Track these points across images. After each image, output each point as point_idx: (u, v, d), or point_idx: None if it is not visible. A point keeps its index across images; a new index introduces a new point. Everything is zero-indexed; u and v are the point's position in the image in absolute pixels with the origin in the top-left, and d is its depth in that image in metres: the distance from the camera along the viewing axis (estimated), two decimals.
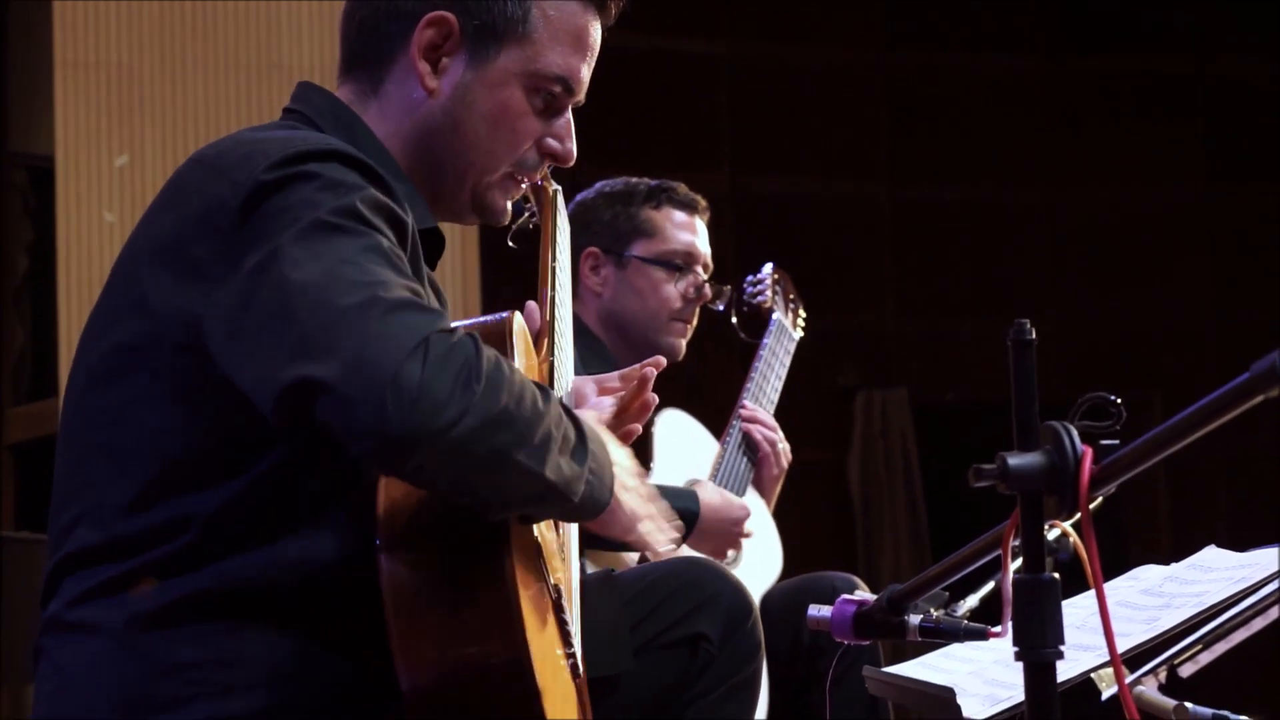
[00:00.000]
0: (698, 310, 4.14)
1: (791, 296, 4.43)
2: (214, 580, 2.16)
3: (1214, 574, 2.43)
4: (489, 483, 2.09)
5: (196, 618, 2.16)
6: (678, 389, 4.16)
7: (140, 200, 6.41)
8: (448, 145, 2.40)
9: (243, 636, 2.16)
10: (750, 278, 4.41)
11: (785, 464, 4.11)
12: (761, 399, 4.15)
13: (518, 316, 2.39)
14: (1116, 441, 1.83)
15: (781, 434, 4.11)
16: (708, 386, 4.47)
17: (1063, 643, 1.83)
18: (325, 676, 2.17)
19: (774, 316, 4.31)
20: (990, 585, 3.77)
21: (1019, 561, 1.97)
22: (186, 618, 2.16)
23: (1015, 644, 1.84)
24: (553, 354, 2.52)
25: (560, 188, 2.77)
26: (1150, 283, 9.23)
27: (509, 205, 2.49)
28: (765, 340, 4.26)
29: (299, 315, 2.04)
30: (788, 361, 4.28)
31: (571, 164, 2.49)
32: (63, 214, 6.57)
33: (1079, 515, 1.84)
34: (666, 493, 3.74)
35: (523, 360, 2.33)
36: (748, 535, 3.85)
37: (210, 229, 2.15)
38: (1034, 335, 1.88)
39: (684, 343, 4.13)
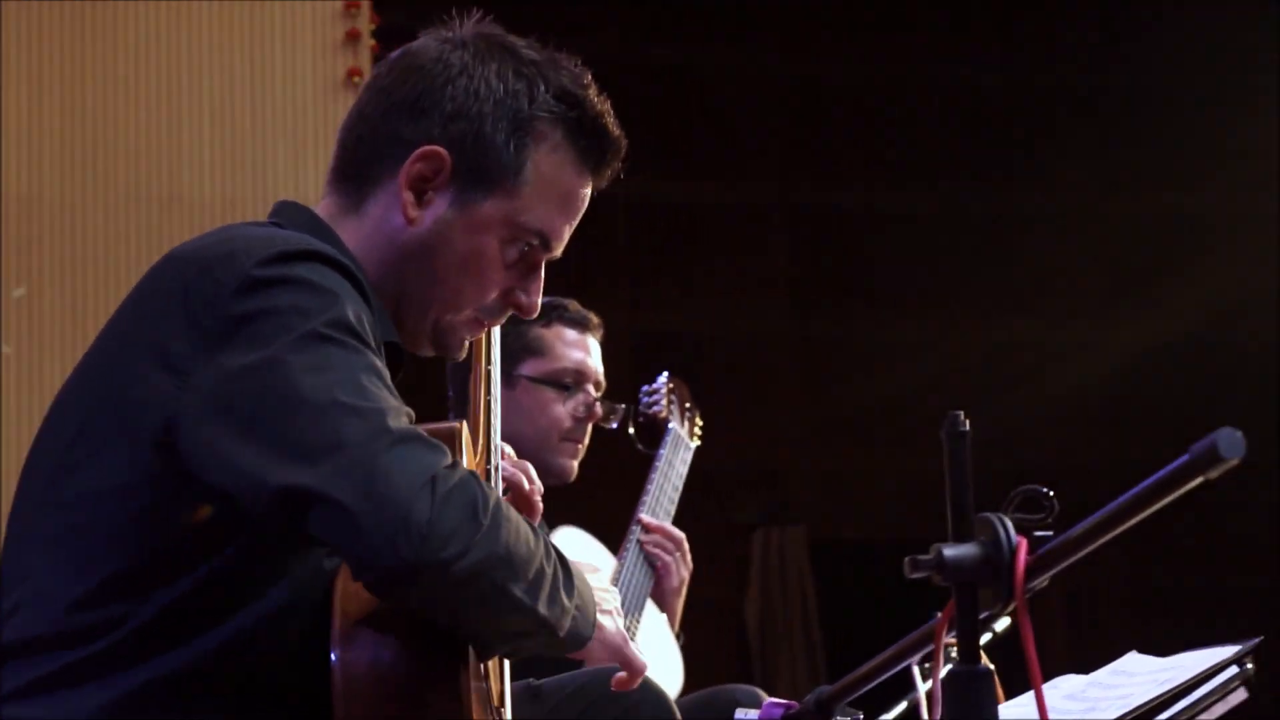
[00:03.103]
0: (589, 429, 4.11)
1: (688, 405, 4.40)
2: (156, 673, 2.15)
3: (1137, 678, 2.45)
4: (486, 617, 2.13)
5: (138, 714, 2.14)
6: (572, 502, 4.13)
7: (38, 332, 6.36)
8: (416, 276, 2.41)
9: None
10: (646, 388, 4.38)
11: (686, 574, 4.08)
12: (658, 511, 4.12)
13: (464, 424, 2.40)
14: (1050, 533, 1.84)
15: (684, 544, 4.08)
16: (602, 499, 4.44)
17: None
18: None
19: (670, 426, 4.28)
20: (903, 706, 3.79)
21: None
22: (127, 715, 2.14)
23: None
24: (488, 460, 2.53)
25: None
26: (1047, 417, 9.29)
27: (467, 343, 2.50)
28: (661, 451, 4.22)
29: (303, 424, 2.06)
30: (684, 471, 4.25)
31: (534, 317, 2.51)
32: None
33: (1013, 605, 1.84)
34: None
35: (467, 465, 2.34)
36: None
37: (190, 325, 2.16)
38: (968, 427, 1.89)
39: (575, 464, 4.09)
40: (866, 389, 9.42)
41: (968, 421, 1.90)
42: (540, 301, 2.49)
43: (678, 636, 4.12)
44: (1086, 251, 9.47)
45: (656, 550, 4.04)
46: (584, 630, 2.26)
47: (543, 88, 2.42)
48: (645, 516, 4.10)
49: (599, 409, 4.08)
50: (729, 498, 8.98)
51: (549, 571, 2.16)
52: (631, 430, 4.21)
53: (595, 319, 4.16)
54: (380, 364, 2.16)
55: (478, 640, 2.18)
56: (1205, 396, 8.47)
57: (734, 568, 9.08)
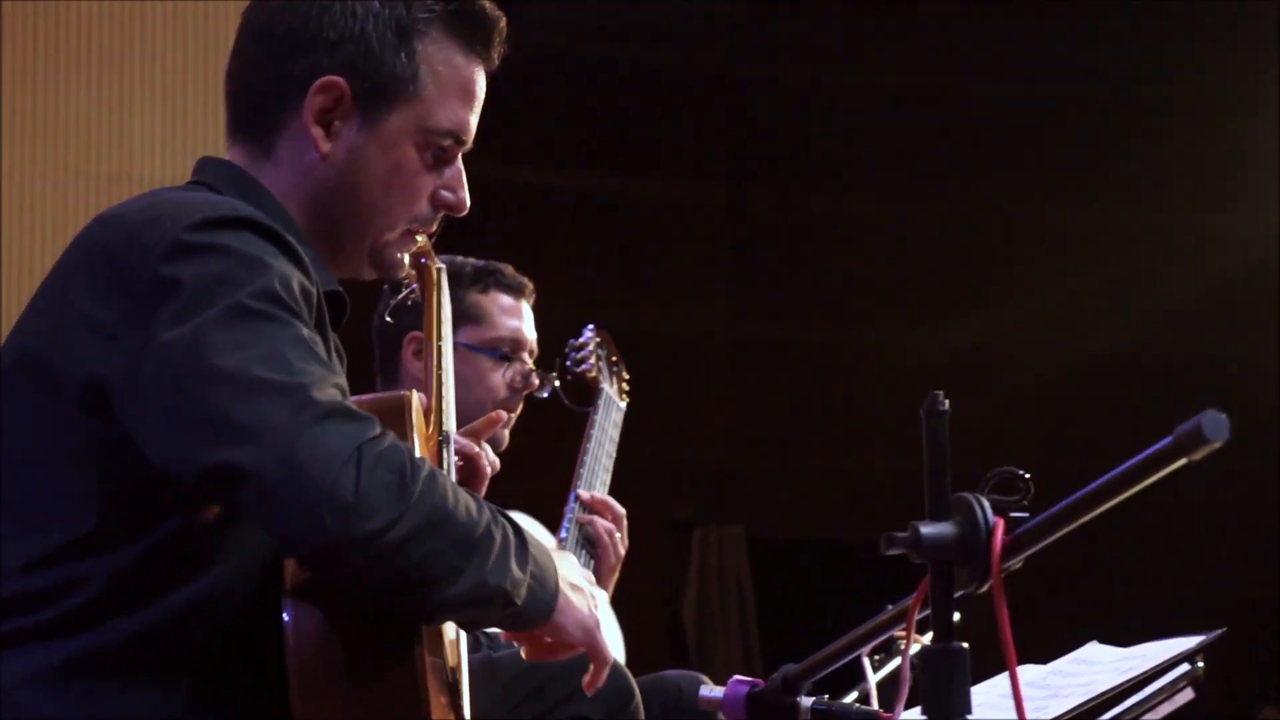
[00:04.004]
0: (521, 400, 4.06)
1: (614, 359, 4.32)
2: (104, 638, 2.14)
3: (1098, 667, 2.46)
4: (423, 585, 2.09)
5: (83, 676, 2.13)
6: (503, 474, 4.06)
7: None
8: (345, 207, 2.41)
9: (129, 695, 2.14)
10: (572, 341, 4.31)
11: (623, 552, 4.04)
12: (595, 481, 4.05)
13: (415, 394, 2.40)
14: (1026, 514, 1.85)
15: (621, 517, 4.02)
16: (533, 466, 4.39)
17: (970, 712, 1.84)
18: None
19: (601, 387, 4.19)
20: (854, 695, 3.79)
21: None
22: (73, 677, 2.13)
23: (924, 713, 1.85)
24: (441, 431, 2.53)
25: (444, 266, 2.77)
26: (981, 420, 9.34)
27: (405, 259, 2.50)
28: (594, 416, 4.15)
29: (227, 401, 2.04)
30: (616, 436, 4.16)
31: (465, 213, 2.49)
32: None
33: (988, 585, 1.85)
34: None
35: (419, 437, 2.34)
36: None
37: (117, 290, 2.14)
38: (947, 406, 1.90)
39: (507, 433, 4.03)
40: (807, 390, 9.44)
41: (947, 401, 1.90)
42: (468, 198, 2.47)
43: None
44: (1030, 258, 9.51)
45: (599, 529, 3.99)
46: (545, 599, 2.22)
47: None
48: (583, 492, 4.05)
49: (534, 379, 4.02)
50: (668, 496, 8.98)
51: (496, 537, 2.13)
52: (557, 384, 4.13)
53: (529, 284, 4.10)
54: (308, 331, 2.14)
55: (421, 609, 2.14)
56: (1159, 402, 8.51)
57: (672, 566, 9.08)
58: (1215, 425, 1.59)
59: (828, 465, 9.28)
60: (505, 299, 4.05)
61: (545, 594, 2.22)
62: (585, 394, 4.22)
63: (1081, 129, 9.47)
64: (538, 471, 4.35)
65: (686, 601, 9.14)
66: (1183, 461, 1.62)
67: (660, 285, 9.32)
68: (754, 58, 9.37)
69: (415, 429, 2.33)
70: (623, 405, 4.26)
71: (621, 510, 4.04)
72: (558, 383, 4.13)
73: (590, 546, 3.99)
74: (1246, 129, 8.97)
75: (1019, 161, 9.45)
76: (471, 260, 4.09)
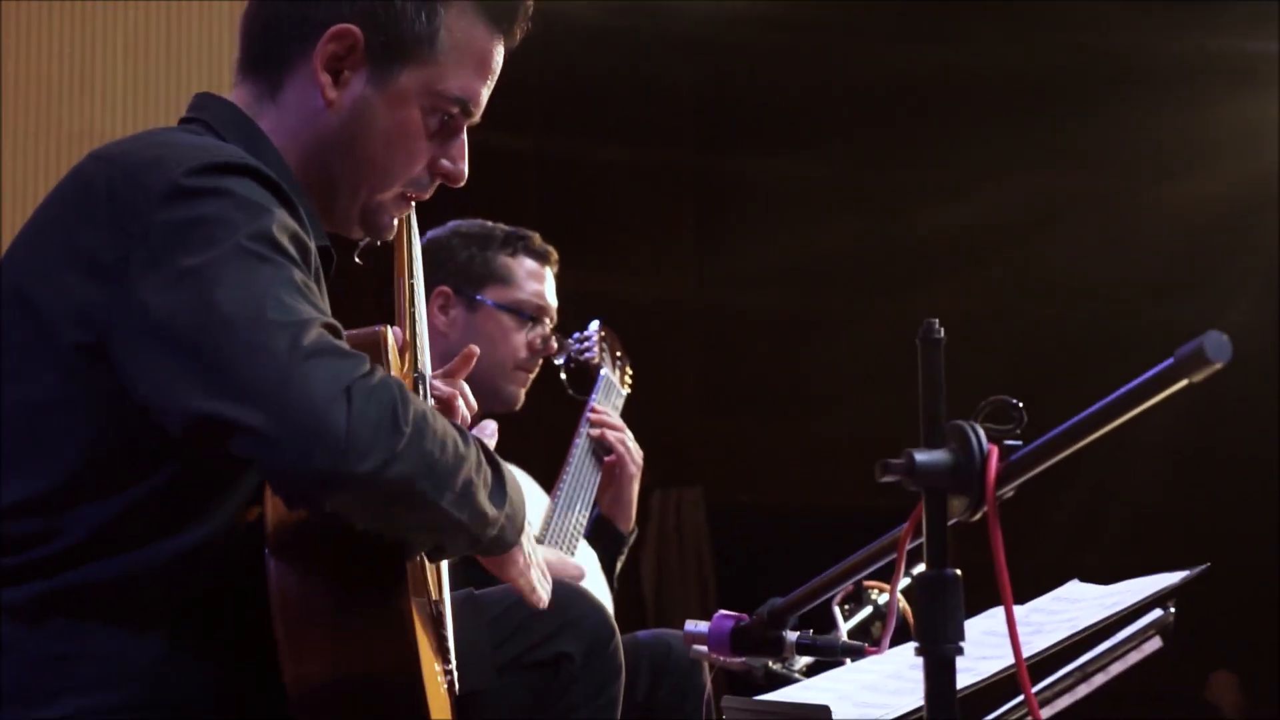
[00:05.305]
0: (540, 362, 4.15)
1: (619, 354, 4.43)
2: (92, 576, 2.13)
3: (1081, 604, 2.46)
4: (408, 522, 2.11)
5: (70, 612, 2.12)
6: (510, 443, 4.11)
7: None
8: (342, 160, 2.39)
9: (117, 632, 2.13)
10: (577, 335, 4.40)
11: (640, 459, 4.12)
12: (587, 460, 4.15)
13: (390, 330, 2.39)
14: (1020, 442, 1.85)
15: (629, 435, 4.13)
16: (540, 441, 4.45)
17: (963, 639, 1.84)
18: (199, 673, 2.15)
19: (602, 372, 4.30)
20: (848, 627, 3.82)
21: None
22: (60, 612, 2.12)
23: (917, 639, 1.85)
24: (416, 368, 2.53)
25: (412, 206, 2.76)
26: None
27: (395, 223, 2.48)
28: (594, 396, 4.24)
29: (220, 347, 2.04)
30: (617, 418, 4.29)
31: (462, 184, 2.47)
32: None
33: (983, 511, 1.85)
34: None
35: (395, 374, 2.33)
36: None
37: (116, 231, 2.12)
38: (942, 334, 1.89)
39: (523, 393, 4.13)
40: (771, 358, 9.45)
41: (942, 329, 1.90)
42: (466, 170, 2.46)
43: (631, 531, 4.17)
44: (997, 226, 9.55)
45: (612, 440, 4.08)
46: (509, 538, 2.26)
47: None
48: (596, 405, 4.13)
49: (554, 343, 4.12)
50: None
51: (478, 480, 2.15)
52: (563, 376, 4.23)
53: (554, 253, 4.21)
54: (302, 275, 2.13)
55: (401, 541, 2.17)
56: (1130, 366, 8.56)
57: None
58: (1217, 346, 1.59)
59: (788, 432, 9.29)
60: (532, 264, 4.17)
61: (512, 532, 2.26)
62: (587, 385, 4.29)
63: (1050, 97, 9.49)
64: (534, 448, 4.39)
65: (645, 564, 9.16)
66: (1183, 383, 1.62)
67: (625, 252, 9.32)
68: (723, 22, 9.35)
69: (391, 366, 2.33)
70: (624, 392, 4.34)
71: (624, 426, 4.13)
72: (563, 376, 4.21)
73: (599, 460, 4.06)
74: (1208, 98, 9.03)
75: (987, 130, 9.46)
76: (501, 225, 4.21)
